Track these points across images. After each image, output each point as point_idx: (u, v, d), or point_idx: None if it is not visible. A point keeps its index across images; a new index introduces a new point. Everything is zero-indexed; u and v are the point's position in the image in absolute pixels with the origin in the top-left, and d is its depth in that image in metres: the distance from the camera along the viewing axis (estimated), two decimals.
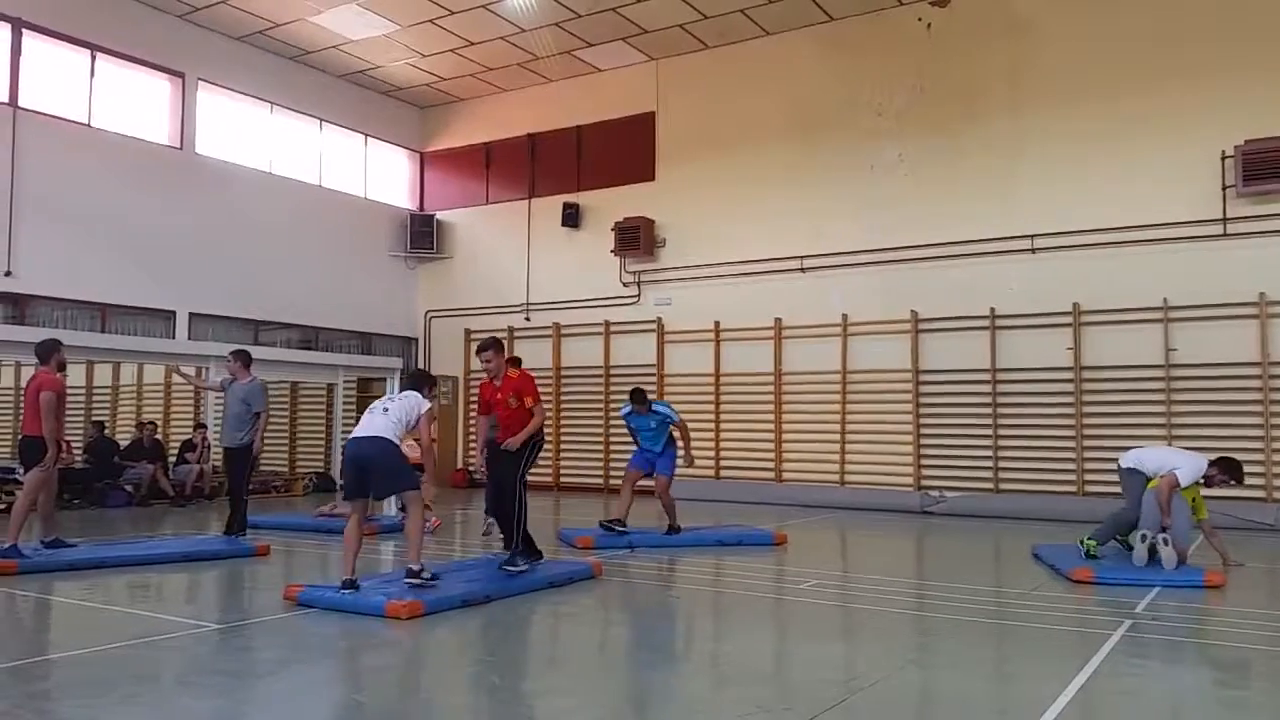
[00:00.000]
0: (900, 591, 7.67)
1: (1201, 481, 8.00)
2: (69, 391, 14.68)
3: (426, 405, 6.97)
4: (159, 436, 14.95)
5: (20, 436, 9.46)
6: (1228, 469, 8.01)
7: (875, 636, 6.03)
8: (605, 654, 5.88)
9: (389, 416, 6.84)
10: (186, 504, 13.98)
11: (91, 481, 13.55)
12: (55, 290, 14.10)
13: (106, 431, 14.58)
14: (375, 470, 6.71)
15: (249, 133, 16.94)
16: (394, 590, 6.52)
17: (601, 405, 17.13)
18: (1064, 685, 4.64)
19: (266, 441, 11.05)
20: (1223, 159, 12.57)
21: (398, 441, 6.83)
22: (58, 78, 14.37)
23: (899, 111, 14.82)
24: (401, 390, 7.37)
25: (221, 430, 10.16)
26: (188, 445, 14.94)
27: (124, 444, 14.55)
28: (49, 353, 8.57)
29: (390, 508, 11.88)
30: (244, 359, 10.05)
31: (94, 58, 14.66)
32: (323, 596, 6.49)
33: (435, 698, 4.72)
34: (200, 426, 15.24)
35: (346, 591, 6.43)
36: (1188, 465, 7.94)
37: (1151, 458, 8.38)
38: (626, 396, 10.34)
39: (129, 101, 15.23)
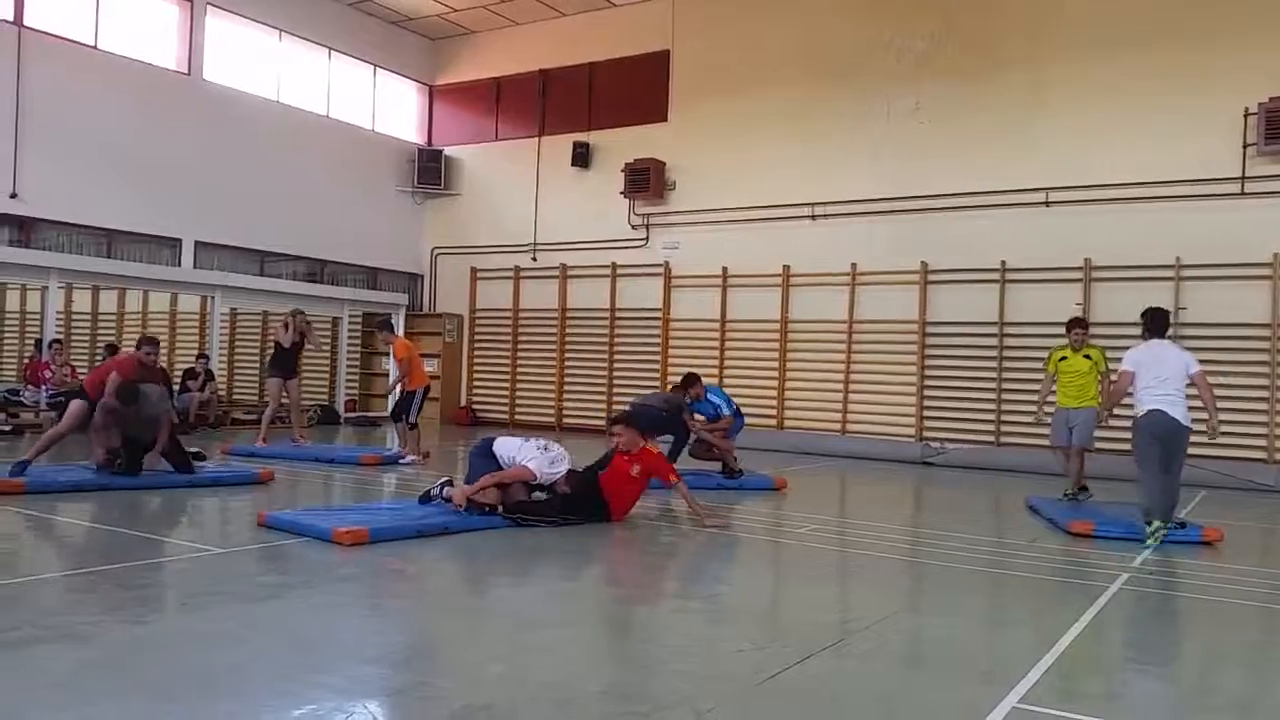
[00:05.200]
0: (898, 539, 7.72)
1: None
2: (76, 320, 14.61)
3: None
4: (163, 364, 14.96)
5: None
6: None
7: (871, 581, 6.08)
8: (602, 590, 5.93)
9: None
10: (190, 431, 14.06)
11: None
12: (61, 214, 14.04)
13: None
14: None
15: (257, 60, 16.70)
16: None
17: (606, 348, 17.10)
18: (1059, 635, 4.66)
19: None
20: (1245, 116, 12.35)
21: None
22: None
23: (918, 58, 14.55)
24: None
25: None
26: (189, 374, 14.98)
27: None
28: (147, 344, 9.12)
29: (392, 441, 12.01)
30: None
31: None
32: (280, 519, 6.69)
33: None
34: (203, 356, 15.26)
35: None
36: None
37: None
38: (681, 381, 10.78)
39: (136, 25, 14.99)
